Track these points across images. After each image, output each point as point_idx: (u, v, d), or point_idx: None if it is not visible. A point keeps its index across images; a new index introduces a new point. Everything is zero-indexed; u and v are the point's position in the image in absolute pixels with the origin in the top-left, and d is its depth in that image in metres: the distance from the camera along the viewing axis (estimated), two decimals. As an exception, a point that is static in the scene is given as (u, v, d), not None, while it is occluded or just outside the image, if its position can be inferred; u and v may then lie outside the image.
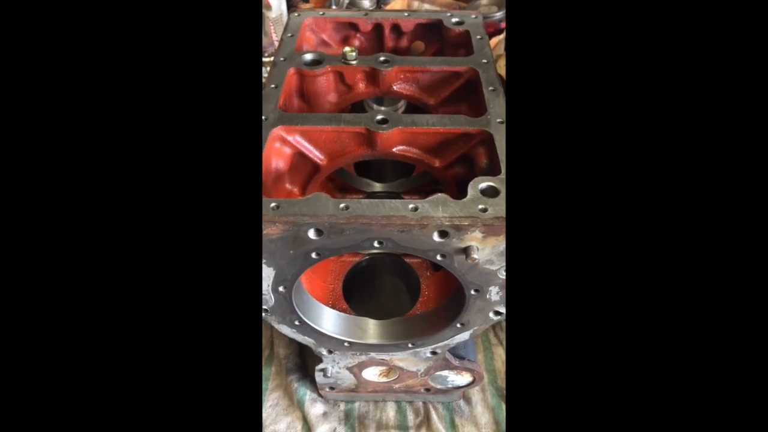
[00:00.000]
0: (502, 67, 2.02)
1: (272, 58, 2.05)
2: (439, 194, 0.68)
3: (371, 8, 1.78)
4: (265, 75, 1.98)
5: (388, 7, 2.08)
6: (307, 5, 2.34)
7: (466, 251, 0.68)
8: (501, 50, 2.01)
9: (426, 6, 2.22)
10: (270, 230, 0.66)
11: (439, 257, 0.70)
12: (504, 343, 1.24)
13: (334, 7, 1.98)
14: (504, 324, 1.26)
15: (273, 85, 0.89)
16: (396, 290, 1.15)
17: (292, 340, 0.98)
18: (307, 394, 1.12)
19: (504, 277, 0.72)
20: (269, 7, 1.96)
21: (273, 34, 2.06)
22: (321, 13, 1.08)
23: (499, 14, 1.99)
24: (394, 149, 0.83)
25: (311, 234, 0.67)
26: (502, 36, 2.00)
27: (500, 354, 1.22)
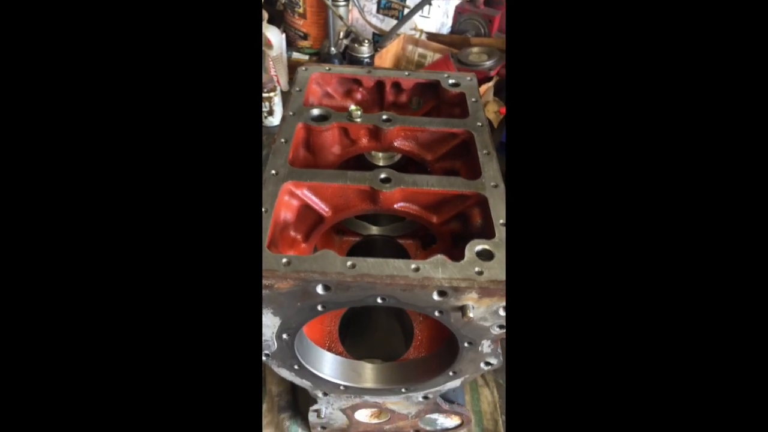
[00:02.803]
0: (489, 112, 2.14)
1: (271, 94, 2.11)
2: (439, 256, 0.74)
3: (369, 54, 1.87)
4: (264, 109, 2.03)
5: (384, 51, 2.18)
6: (306, 42, 2.44)
7: (462, 309, 0.73)
8: (489, 97, 2.13)
9: (419, 50, 2.34)
10: (281, 285, 0.71)
11: (436, 313, 0.75)
12: (489, 384, 1.29)
13: (333, 49, 2.07)
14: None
15: (283, 140, 0.94)
16: (390, 330, 1.20)
17: (284, 378, 1.01)
18: (298, 433, 1.15)
19: (496, 333, 0.78)
20: (270, 46, 2.04)
21: (272, 70, 2.14)
22: (327, 68, 1.15)
23: (489, 63, 2.11)
24: (395, 205, 0.89)
25: (319, 289, 0.72)
26: (491, 83, 2.12)
27: (486, 395, 1.27)
